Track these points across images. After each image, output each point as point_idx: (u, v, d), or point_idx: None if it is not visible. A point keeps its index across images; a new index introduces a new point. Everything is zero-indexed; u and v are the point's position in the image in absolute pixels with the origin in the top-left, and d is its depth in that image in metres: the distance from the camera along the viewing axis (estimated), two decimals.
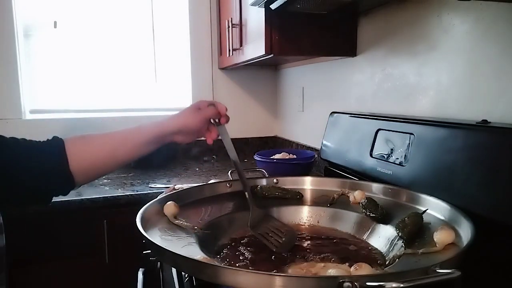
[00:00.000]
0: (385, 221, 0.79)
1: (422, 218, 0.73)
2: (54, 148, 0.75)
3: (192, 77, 2.11)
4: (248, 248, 0.75)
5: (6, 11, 1.78)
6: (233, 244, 0.78)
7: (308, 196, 0.98)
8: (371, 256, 0.73)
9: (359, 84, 1.42)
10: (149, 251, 0.72)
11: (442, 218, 0.74)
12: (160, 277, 0.83)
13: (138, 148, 0.81)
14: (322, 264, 0.65)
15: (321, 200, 0.95)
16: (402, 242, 0.69)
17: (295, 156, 1.54)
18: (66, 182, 0.75)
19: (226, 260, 0.71)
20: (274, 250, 0.75)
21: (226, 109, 0.86)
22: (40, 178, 0.73)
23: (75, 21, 1.94)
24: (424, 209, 0.79)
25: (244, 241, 0.79)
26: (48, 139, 0.79)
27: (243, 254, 0.73)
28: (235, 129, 2.21)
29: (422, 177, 0.90)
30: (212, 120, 0.86)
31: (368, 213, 0.82)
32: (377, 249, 0.75)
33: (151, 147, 0.82)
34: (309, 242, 0.81)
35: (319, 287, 0.49)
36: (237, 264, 0.70)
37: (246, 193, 0.85)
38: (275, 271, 0.66)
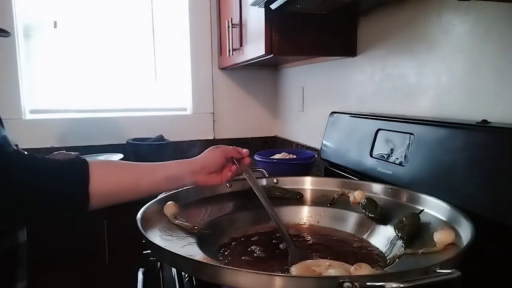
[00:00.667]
0: (384, 222, 0.79)
1: (419, 218, 0.73)
2: (78, 167, 0.74)
3: (192, 77, 2.11)
4: (251, 248, 0.75)
5: (6, 11, 1.78)
6: (233, 243, 0.78)
7: (308, 196, 0.98)
8: (371, 256, 0.73)
9: (359, 84, 1.42)
10: (149, 251, 0.72)
11: (442, 218, 0.74)
12: (160, 277, 0.83)
13: (158, 183, 0.79)
14: (327, 263, 0.64)
15: (321, 200, 0.95)
16: (402, 242, 0.69)
17: (295, 156, 1.54)
18: (81, 203, 0.74)
19: (227, 259, 0.71)
20: None
21: (248, 153, 0.87)
22: (56, 195, 0.72)
23: (75, 21, 1.94)
24: (424, 209, 0.79)
25: (245, 240, 0.79)
26: (73, 158, 0.79)
27: (244, 253, 0.73)
28: (235, 129, 2.22)
29: (422, 177, 0.90)
30: (233, 160, 0.86)
31: (367, 214, 0.82)
32: (377, 249, 0.75)
33: (172, 184, 0.82)
34: (309, 242, 0.81)
35: (319, 287, 0.49)
36: (242, 258, 0.70)
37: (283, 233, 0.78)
38: (285, 267, 0.66)
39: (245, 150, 0.88)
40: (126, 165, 0.81)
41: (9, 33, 1.03)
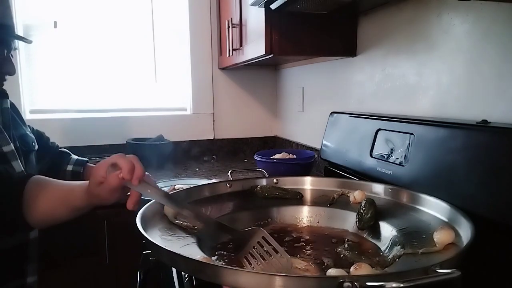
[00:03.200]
0: (372, 233, 0.79)
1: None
2: (12, 193, 0.77)
3: (192, 77, 2.11)
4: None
5: None
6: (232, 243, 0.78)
7: (308, 196, 0.98)
8: (371, 256, 0.73)
9: (359, 84, 1.42)
10: (149, 251, 0.72)
11: (442, 218, 0.74)
12: (160, 277, 0.83)
13: (72, 213, 0.81)
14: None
15: (321, 200, 0.95)
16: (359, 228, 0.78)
17: (295, 156, 1.54)
18: (20, 225, 0.78)
19: (227, 259, 0.71)
20: None
21: (133, 166, 0.71)
22: None
23: (75, 21, 1.94)
24: (424, 209, 0.79)
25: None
26: (16, 177, 0.83)
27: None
28: (235, 129, 2.22)
29: (422, 177, 0.90)
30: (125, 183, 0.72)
31: (356, 221, 0.82)
32: (377, 249, 0.75)
33: (85, 211, 0.82)
34: (308, 242, 0.81)
35: (319, 287, 0.49)
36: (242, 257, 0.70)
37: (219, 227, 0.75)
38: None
39: (126, 165, 0.70)
40: (50, 189, 0.81)
41: (31, 40, 1.05)
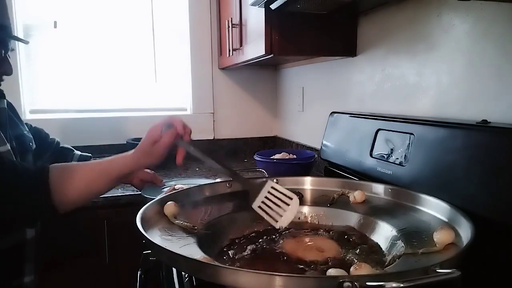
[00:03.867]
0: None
1: None
2: (38, 181, 0.78)
3: (192, 77, 2.11)
4: (251, 247, 0.75)
5: None
6: (233, 243, 0.78)
7: (308, 196, 0.98)
8: (371, 255, 0.73)
9: (359, 84, 1.42)
10: (149, 251, 0.72)
11: (442, 218, 0.74)
12: (160, 277, 0.83)
13: (110, 183, 0.86)
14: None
15: (321, 200, 0.95)
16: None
17: (295, 156, 1.54)
18: (48, 212, 0.80)
19: (227, 259, 0.71)
20: (276, 226, 0.78)
21: (184, 124, 0.86)
22: (22, 209, 0.78)
23: (75, 21, 1.94)
24: (424, 209, 0.79)
25: (244, 239, 0.80)
26: (34, 167, 0.84)
27: (243, 252, 0.73)
28: (235, 129, 2.22)
29: (422, 177, 0.90)
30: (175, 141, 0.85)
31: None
32: (377, 249, 0.75)
33: (122, 181, 0.89)
34: (309, 243, 0.81)
35: (319, 287, 0.49)
36: (242, 257, 0.70)
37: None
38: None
39: (179, 123, 0.85)
40: (82, 168, 0.85)
41: (28, 41, 1.06)
